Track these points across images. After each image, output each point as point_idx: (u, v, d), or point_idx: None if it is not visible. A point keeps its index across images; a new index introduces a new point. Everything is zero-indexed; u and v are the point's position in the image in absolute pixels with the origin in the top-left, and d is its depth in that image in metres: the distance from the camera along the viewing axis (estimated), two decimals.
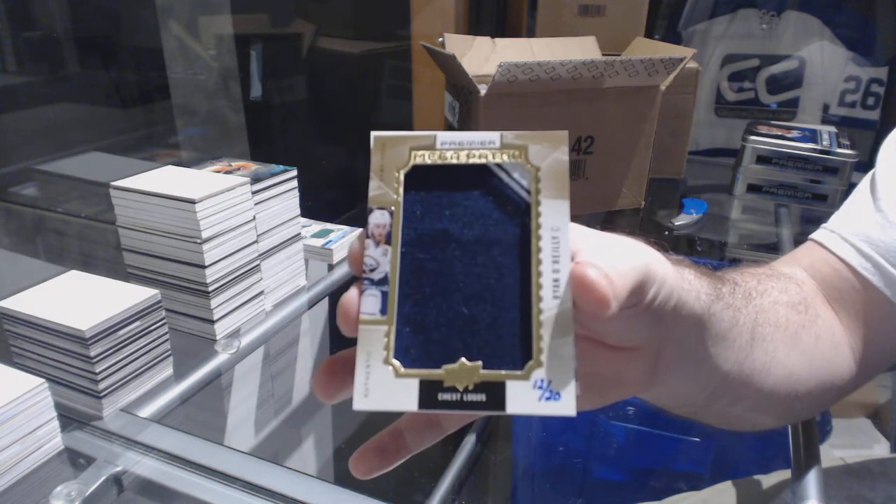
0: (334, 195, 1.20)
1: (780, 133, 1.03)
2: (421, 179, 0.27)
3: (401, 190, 0.26)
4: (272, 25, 1.16)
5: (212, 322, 0.64)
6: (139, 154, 0.91)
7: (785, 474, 0.55)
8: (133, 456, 0.51)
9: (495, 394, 0.24)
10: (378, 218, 0.26)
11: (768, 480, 0.58)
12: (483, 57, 1.01)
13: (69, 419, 0.53)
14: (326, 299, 0.77)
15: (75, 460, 0.50)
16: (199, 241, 0.60)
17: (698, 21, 1.51)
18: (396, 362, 0.24)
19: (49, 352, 0.53)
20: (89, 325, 0.51)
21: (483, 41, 1.02)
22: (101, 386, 0.53)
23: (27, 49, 0.79)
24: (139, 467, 0.50)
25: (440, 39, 0.99)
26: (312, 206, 0.81)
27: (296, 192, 0.72)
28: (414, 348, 0.25)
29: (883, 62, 1.42)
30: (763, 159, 1.03)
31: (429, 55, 0.94)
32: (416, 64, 1.28)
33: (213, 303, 0.63)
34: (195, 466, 0.49)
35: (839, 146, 0.99)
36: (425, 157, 0.27)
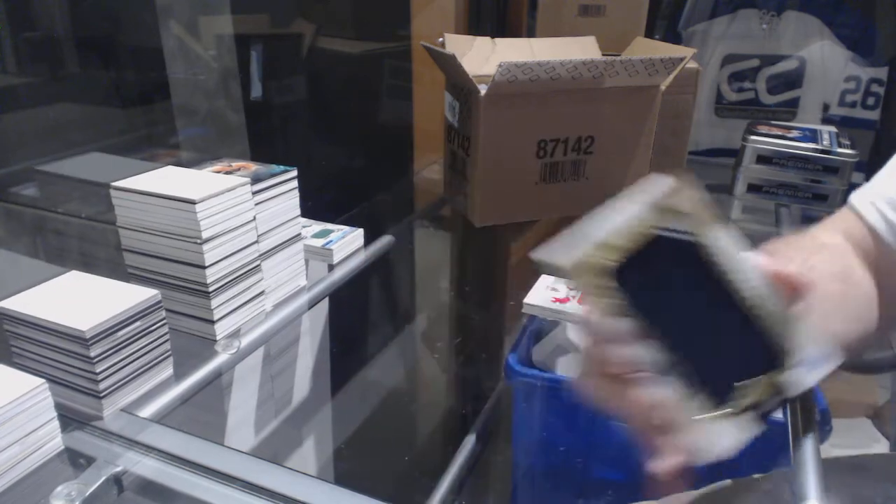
0: (334, 195, 1.20)
1: (780, 133, 1.03)
2: (630, 275, 0.33)
3: (619, 295, 0.32)
4: (272, 25, 1.15)
5: (212, 322, 0.64)
6: (139, 154, 0.91)
7: (785, 474, 0.55)
8: (133, 456, 0.51)
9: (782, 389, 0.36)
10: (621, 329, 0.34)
11: (768, 480, 0.58)
12: (483, 57, 1.01)
13: (69, 419, 0.53)
14: (326, 299, 0.77)
15: (75, 460, 0.50)
16: (199, 241, 0.60)
17: (698, 21, 1.51)
18: (707, 415, 0.34)
19: (49, 352, 0.53)
20: (89, 325, 0.51)
21: (483, 41, 1.02)
22: (102, 386, 0.53)
23: (27, 49, 0.78)
24: (139, 467, 0.50)
25: (440, 39, 0.99)
26: (312, 206, 0.81)
27: (296, 193, 0.72)
28: (706, 400, 0.33)
29: (883, 62, 1.42)
30: (763, 159, 1.03)
31: (429, 55, 0.94)
32: (416, 64, 1.28)
33: (214, 303, 0.63)
34: (195, 466, 0.49)
35: (839, 146, 0.99)
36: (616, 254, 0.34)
